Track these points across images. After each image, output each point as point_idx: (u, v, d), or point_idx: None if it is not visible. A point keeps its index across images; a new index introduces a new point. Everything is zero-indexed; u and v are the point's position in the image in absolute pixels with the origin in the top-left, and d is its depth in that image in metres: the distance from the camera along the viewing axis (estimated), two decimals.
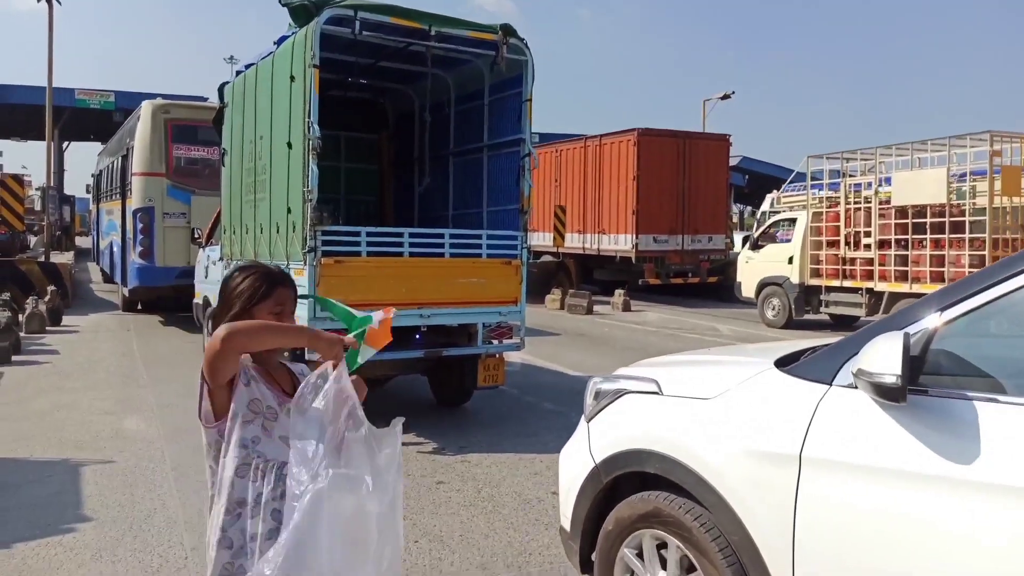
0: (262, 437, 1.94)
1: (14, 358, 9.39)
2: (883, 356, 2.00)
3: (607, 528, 2.87)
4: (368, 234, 6.24)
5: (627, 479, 2.84)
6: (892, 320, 2.25)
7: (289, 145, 6.11)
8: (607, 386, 3.06)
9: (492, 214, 7.47)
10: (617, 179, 17.99)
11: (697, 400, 2.63)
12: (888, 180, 12.28)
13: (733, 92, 30.20)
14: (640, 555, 2.77)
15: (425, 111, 8.47)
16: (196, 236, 10.44)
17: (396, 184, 9.30)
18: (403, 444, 6.53)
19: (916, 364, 2.03)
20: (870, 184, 12.41)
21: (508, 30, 6.66)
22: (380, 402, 7.42)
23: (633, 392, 2.91)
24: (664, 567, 2.69)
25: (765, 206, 24.39)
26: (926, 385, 2.05)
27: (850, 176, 12.92)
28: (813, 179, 14.49)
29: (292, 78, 6.09)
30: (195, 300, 10.19)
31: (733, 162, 37.79)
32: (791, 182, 21.38)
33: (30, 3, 22.25)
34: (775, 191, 24.72)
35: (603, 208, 18.40)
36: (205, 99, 21.59)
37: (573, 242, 18.99)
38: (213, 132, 8.83)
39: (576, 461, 3.05)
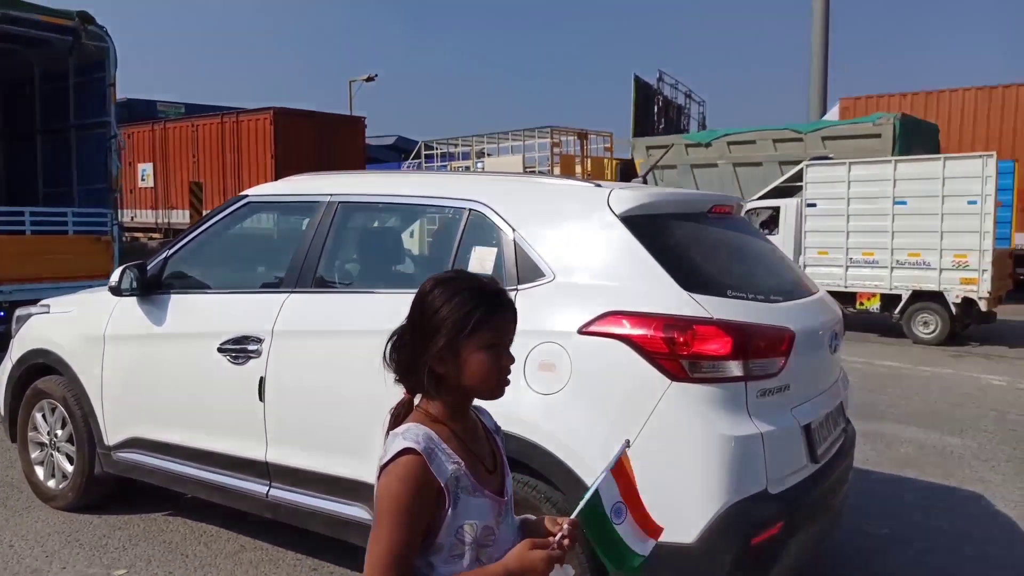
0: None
1: None
2: (115, 275, 3.68)
3: (21, 408, 4.31)
4: None
5: (34, 370, 4.25)
6: (141, 257, 3.85)
7: None
8: (22, 312, 4.49)
9: (84, 192, 7.74)
10: (256, 156, 18.37)
11: (66, 313, 4.20)
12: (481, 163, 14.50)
13: (376, 75, 31.88)
14: (44, 418, 4.23)
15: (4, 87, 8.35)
16: None
17: None
18: None
19: (155, 279, 3.69)
20: (468, 167, 14.54)
21: (85, 17, 7.01)
22: None
23: (36, 314, 4.38)
24: (48, 422, 4.26)
25: None
26: (167, 289, 3.68)
27: (453, 160, 14.97)
28: (427, 160, 16.40)
29: None
30: None
31: (389, 141, 39.54)
32: (411, 160, 23.47)
33: None
34: None
35: (243, 184, 18.57)
36: None
37: None
38: None
39: (5, 367, 4.43)
